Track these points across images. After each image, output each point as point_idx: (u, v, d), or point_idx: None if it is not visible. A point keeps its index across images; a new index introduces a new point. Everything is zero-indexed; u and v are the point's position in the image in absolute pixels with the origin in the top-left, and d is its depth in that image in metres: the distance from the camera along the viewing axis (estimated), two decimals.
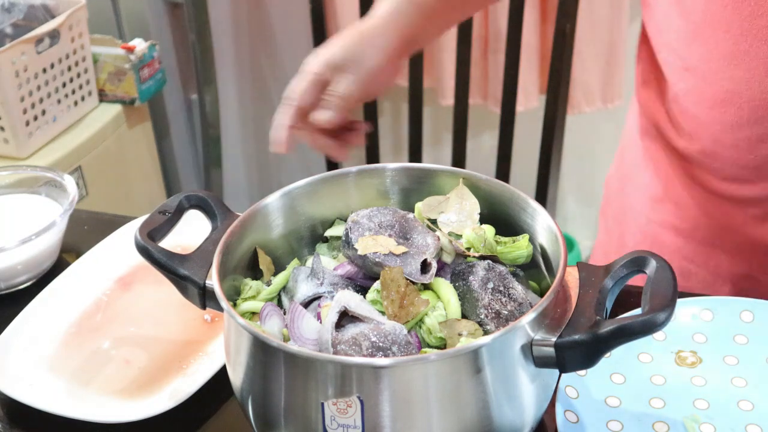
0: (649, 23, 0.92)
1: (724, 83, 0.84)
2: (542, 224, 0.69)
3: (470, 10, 1.11)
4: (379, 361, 0.58)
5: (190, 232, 0.87)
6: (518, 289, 0.67)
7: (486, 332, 0.64)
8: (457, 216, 0.73)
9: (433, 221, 0.73)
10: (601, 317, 0.61)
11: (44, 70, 1.71)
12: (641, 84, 1.04)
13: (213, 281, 0.65)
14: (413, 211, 0.74)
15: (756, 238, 0.94)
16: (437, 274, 0.68)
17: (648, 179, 1.05)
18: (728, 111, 0.86)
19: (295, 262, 0.74)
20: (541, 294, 0.70)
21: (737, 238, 0.96)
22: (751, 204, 0.93)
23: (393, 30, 0.90)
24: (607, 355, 0.67)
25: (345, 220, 0.73)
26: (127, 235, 0.98)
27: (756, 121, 0.85)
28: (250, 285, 0.71)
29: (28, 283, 0.96)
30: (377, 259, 0.67)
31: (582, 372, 0.76)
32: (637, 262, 0.64)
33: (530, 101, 2.18)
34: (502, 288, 0.66)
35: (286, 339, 0.65)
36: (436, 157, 2.38)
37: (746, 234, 0.95)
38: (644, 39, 0.99)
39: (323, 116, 0.85)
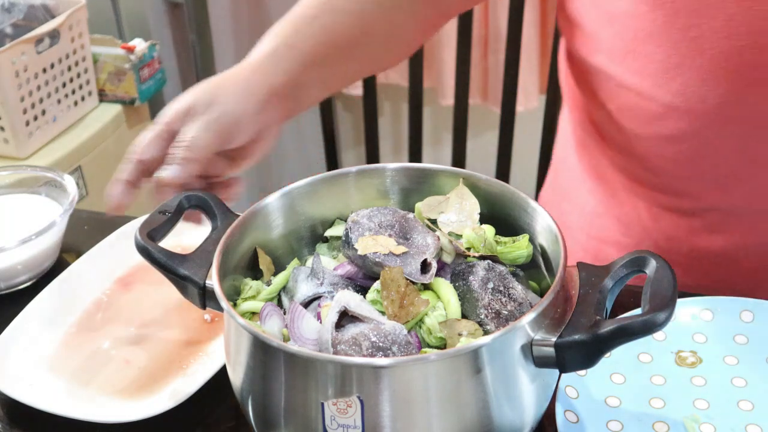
0: (576, 44, 0.90)
1: (660, 98, 0.82)
2: (542, 224, 0.69)
3: (369, 63, 0.94)
4: (379, 361, 0.58)
5: (190, 232, 0.87)
6: (518, 289, 0.67)
7: (486, 332, 0.64)
8: (457, 216, 0.73)
9: (433, 221, 0.73)
10: (601, 317, 0.61)
11: (44, 70, 1.71)
12: (572, 104, 1.02)
13: (213, 281, 0.65)
14: (413, 211, 0.74)
15: (702, 248, 0.93)
16: (437, 274, 0.68)
17: (586, 194, 1.02)
18: (667, 125, 0.84)
19: (295, 262, 0.74)
20: (541, 294, 0.70)
21: (683, 249, 0.94)
22: (696, 215, 0.92)
23: (261, 75, 0.81)
24: (607, 355, 0.66)
25: (345, 220, 0.73)
26: (127, 235, 0.97)
27: (695, 134, 0.83)
28: (250, 285, 0.71)
29: (28, 283, 0.96)
30: (377, 259, 0.67)
31: (582, 372, 0.76)
32: (637, 262, 0.64)
33: (530, 101, 2.18)
34: (502, 288, 0.66)
35: (286, 339, 0.65)
36: (436, 157, 2.38)
37: (692, 245, 0.93)
38: (569, 59, 0.97)
39: (165, 173, 0.76)
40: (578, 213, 1.03)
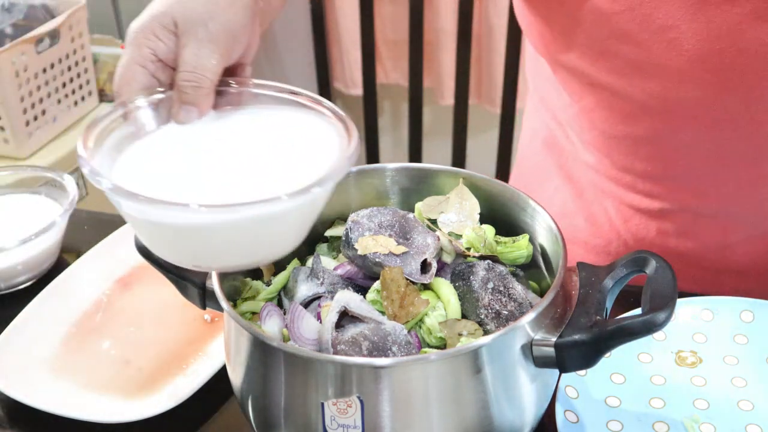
0: (543, 44, 0.88)
1: (635, 97, 0.81)
2: (542, 224, 0.69)
3: None
4: (379, 361, 0.58)
5: None
6: (518, 289, 0.67)
7: (486, 332, 0.64)
8: (457, 216, 0.73)
9: (433, 221, 0.73)
10: (601, 317, 0.61)
11: (44, 70, 1.71)
12: (539, 102, 1.00)
13: (213, 281, 0.65)
14: (413, 211, 0.74)
15: (672, 250, 0.92)
16: (437, 274, 0.68)
17: (553, 192, 1.01)
18: (641, 125, 0.83)
19: (295, 262, 0.74)
20: (541, 294, 0.70)
21: (652, 250, 0.90)
22: (666, 217, 0.90)
23: None
24: (607, 355, 0.67)
25: (345, 220, 0.73)
26: (127, 235, 0.98)
27: (669, 135, 0.83)
28: (250, 285, 0.71)
29: (28, 283, 0.96)
30: (377, 259, 0.67)
31: (582, 372, 0.76)
32: (637, 262, 0.64)
33: None
34: (502, 288, 0.66)
35: (286, 339, 0.65)
36: (436, 157, 2.38)
37: (662, 247, 0.92)
38: (536, 58, 0.95)
39: (184, 115, 0.64)
40: None
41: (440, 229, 0.72)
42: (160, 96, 0.65)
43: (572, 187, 0.98)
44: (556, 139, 0.98)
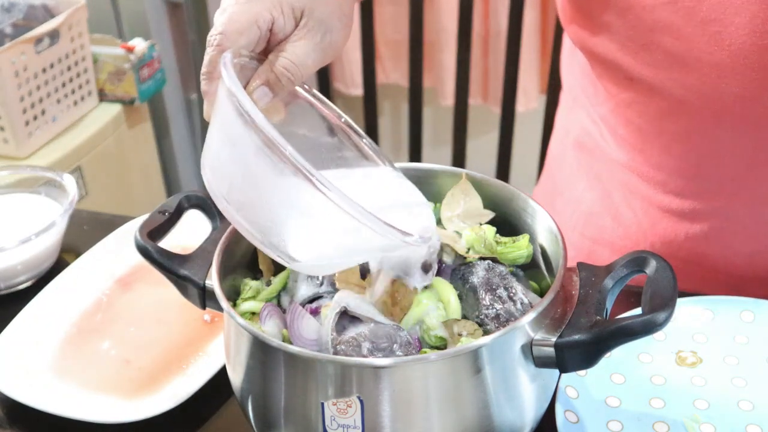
0: (583, 35, 0.87)
1: (673, 92, 0.81)
2: (542, 224, 0.69)
3: None
4: (379, 361, 0.58)
5: (190, 232, 0.87)
6: (518, 289, 0.67)
7: (486, 332, 0.64)
8: (459, 213, 0.73)
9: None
10: (601, 317, 0.61)
11: (44, 70, 1.71)
12: (574, 99, 1.00)
13: (213, 281, 0.65)
14: None
15: (699, 254, 0.91)
16: (437, 274, 0.68)
17: (581, 192, 1.01)
18: (677, 121, 0.83)
19: None
20: (541, 294, 0.70)
21: (680, 254, 0.92)
22: (695, 220, 0.90)
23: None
24: (607, 355, 0.67)
25: None
26: (127, 235, 0.98)
27: (706, 132, 0.82)
28: (250, 285, 0.70)
29: (28, 283, 0.96)
30: None
31: (582, 372, 0.76)
32: (637, 262, 0.64)
33: (530, 101, 2.18)
34: (502, 288, 0.66)
35: (286, 339, 0.65)
36: (436, 157, 2.38)
37: (689, 251, 0.91)
38: (573, 52, 0.95)
39: (262, 96, 0.64)
40: (571, 211, 1.02)
41: (440, 229, 0.72)
42: (248, 62, 0.64)
43: (601, 187, 0.97)
44: (589, 138, 0.98)
